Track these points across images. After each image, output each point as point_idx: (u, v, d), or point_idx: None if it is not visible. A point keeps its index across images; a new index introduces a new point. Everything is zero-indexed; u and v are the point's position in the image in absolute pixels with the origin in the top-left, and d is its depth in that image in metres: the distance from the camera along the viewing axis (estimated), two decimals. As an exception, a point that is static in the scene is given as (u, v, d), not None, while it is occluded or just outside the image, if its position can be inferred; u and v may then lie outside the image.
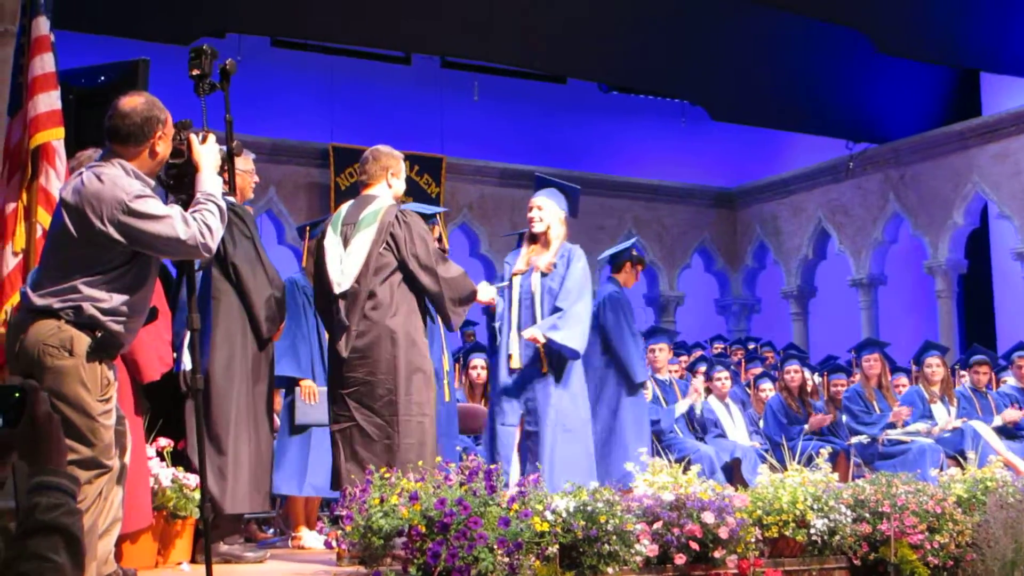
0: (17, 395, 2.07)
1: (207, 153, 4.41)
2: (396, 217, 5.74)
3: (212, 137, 4.46)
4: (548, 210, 6.83)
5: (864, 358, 10.05)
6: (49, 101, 4.96)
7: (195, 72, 4.50)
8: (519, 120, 17.30)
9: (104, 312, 4.12)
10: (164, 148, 4.29)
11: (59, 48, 5.32)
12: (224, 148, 4.59)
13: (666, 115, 18.18)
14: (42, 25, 5.25)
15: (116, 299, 4.14)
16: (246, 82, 15.23)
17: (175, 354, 5.64)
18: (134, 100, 4.25)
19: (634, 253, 8.02)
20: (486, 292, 6.40)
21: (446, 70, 16.52)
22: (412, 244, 5.70)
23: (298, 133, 15.39)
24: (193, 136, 4.42)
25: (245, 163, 6.02)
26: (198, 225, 4.21)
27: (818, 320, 17.70)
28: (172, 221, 4.17)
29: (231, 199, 5.92)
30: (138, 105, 4.22)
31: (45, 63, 5.17)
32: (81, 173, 4.24)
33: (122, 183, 4.15)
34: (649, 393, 8.54)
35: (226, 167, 4.66)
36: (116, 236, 4.09)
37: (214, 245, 4.29)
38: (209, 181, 4.37)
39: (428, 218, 6.64)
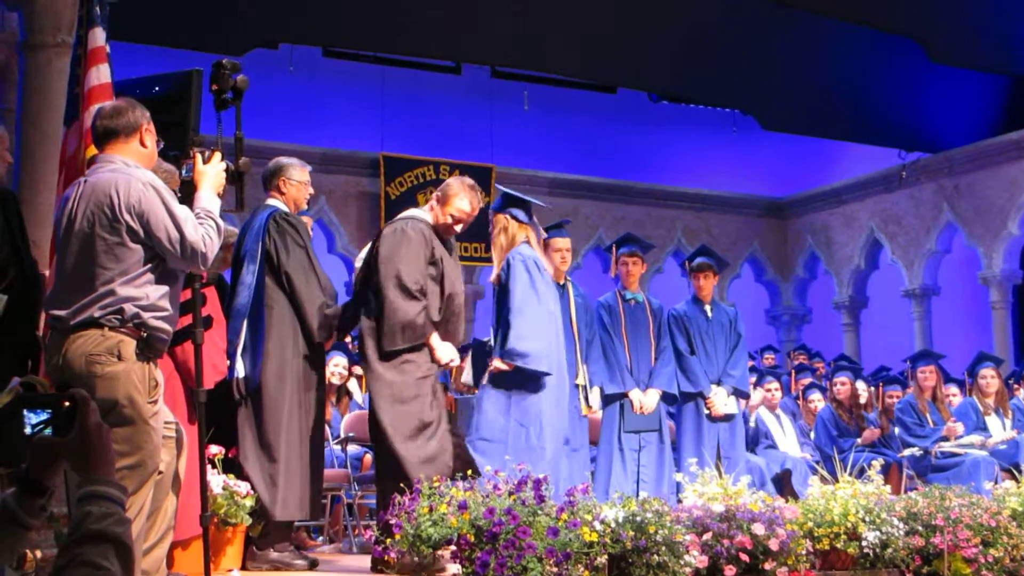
0: (67, 404, 2.08)
1: (208, 172, 4.43)
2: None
3: (218, 156, 4.48)
4: (497, 220, 6.57)
5: (919, 369, 9.92)
6: (104, 112, 5.02)
7: (213, 87, 4.54)
8: (569, 130, 17.28)
9: (145, 309, 4.14)
10: (151, 143, 4.36)
11: (114, 59, 5.39)
12: (232, 164, 4.60)
13: (716, 124, 18.10)
14: (98, 36, 5.32)
15: (153, 295, 4.17)
16: (298, 92, 15.43)
17: (228, 362, 5.69)
18: (115, 102, 4.40)
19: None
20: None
21: (496, 80, 16.53)
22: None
23: (349, 143, 15.47)
24: (198, 154, 4.45)
25: (301, 175, 6.10)
26: (203, 232, 4.23)
27: (870, 331, 17.52)
28: (182, 217, 4.20)
29: (285, 208, 5.99)
30: (121, 104, 4.36)
31: (101, 74, 5.24)
32: (83, 180, 4.27)
33: (138, 173, 4.21)
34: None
35: (235, 184, 4.67)
36: (134, 224, 4.11)
37: (210, 259, 4.30)
38: (207, 199, 4.39)
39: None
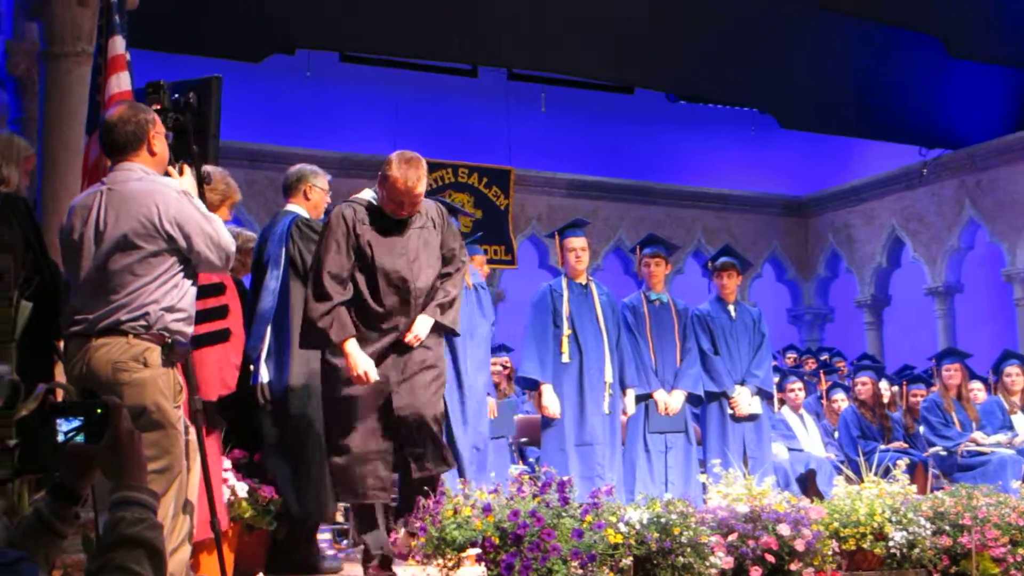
0: (100, 411, 2.09)
1: (187, 183, 4.46)
2: None
3: (188, 168, 4.50)
4: None
5: (944, 368, 9.85)
6: (126, 119, 5.03)
7: (155, 107, 4.51)
8: (587, 131, 17.25)
9: (169, 311, 4.16)
10: (160, 146, 4.34)
11: (134, 66, 5.41)
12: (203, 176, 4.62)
13: (735, 124, 18.02)
14: (118, 44, 5.34)
15: (175, 297, 4.19)
16: (315, 97, 15.45)
17: (252, 367, 5.70)
18: (119, 110, 4.35)
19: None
20: None
21: (513, 82, 16.51)
22: None
23: (366, 147, 15.45)
24: (171, 169, 4.46)
25: (324, 183, 6.18)
26: (230, 236, 4.28)
27: (893, 329, 17.44)
28: (213, 219, 4.24)
29: (306, 214, 6.02)
30: (124, 112, 4.32)
31: (121, 82, 5.26)
32: (106, 189, 4.24)
33: (165, 181, 4.23)
34: None
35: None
36: (175, 234, 4.13)
37: (232, 260, 4.36)
38: (201, 207, 4.41)
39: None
